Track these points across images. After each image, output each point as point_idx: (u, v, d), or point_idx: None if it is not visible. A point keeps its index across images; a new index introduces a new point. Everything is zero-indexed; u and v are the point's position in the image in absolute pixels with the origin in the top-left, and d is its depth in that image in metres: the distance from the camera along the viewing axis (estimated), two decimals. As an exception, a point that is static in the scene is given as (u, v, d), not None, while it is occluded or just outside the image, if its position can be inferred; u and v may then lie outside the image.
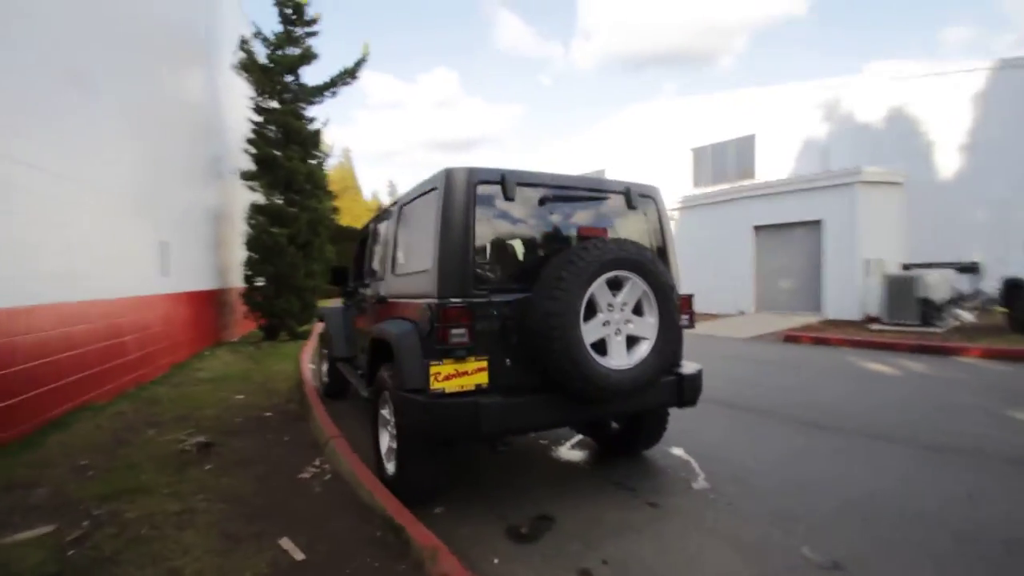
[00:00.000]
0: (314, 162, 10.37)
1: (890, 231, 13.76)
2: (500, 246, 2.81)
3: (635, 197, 3.24)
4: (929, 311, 10.24)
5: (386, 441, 3.28)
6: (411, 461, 2.85)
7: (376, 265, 4.25)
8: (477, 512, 2.98)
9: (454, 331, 2.57)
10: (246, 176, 9.60)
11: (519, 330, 2.70)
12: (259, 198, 9.78)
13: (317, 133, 10.30)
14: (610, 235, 3.03)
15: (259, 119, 9.88)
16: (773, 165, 17.28)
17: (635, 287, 2.78)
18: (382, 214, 4.13)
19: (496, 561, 2.47)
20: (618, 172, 21.59)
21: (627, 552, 2.53)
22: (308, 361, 7.76)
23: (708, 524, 2.81)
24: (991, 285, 13.18)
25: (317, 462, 3.69)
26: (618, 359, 2.73)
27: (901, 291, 10.63)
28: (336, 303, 6.31)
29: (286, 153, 9.68)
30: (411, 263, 3.22)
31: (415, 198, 3.22)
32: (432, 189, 2.90)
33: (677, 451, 3.93)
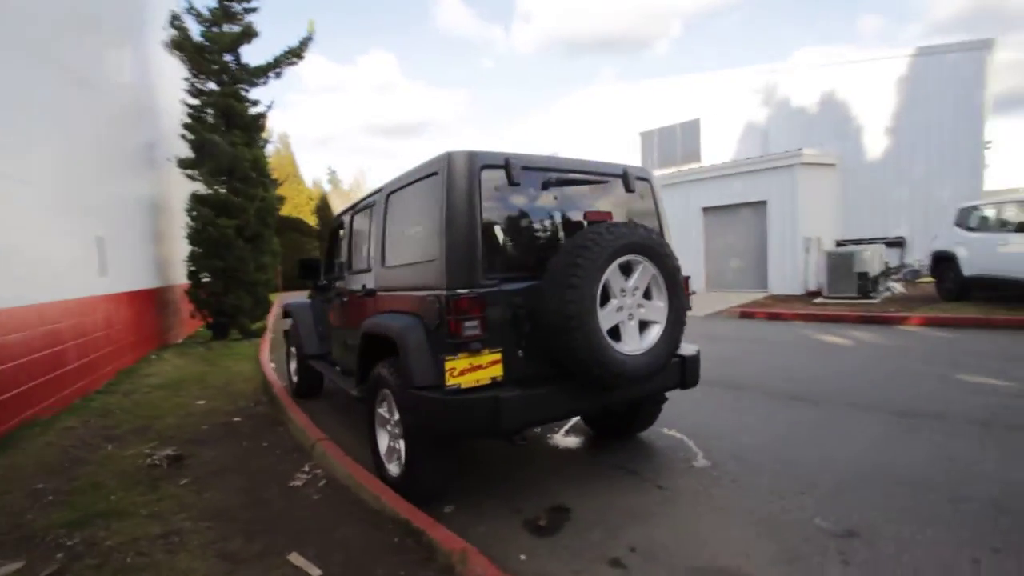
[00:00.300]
0: (259, 148, 9.74)
1: (826, 210, 14.60)
2: (506, 232, 2.70)
3: (632, 180, 3.20)
4: (865, 284, 10.99)
5: (385, 441, 3.12)
6: (420, 460, 2.72)
7: (359, 257, 4.02)
8: (489, 508, 2.90)
9: (467, 323, 2.45)
10: (184, 164, 8.88)
11: (531, 319, 2.61)
12: (200, 187, 9.09)
13: (261, 117, 9.67)
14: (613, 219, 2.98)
15: (195, 102, 9.15)
16: (718, 148, 17.93)
17: (646, 271, 2.75)
18: (361, 204, 3.89)
19: (523, 558, 2.40)
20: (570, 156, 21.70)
21: (649, 537, 2.52)
22: (269, 360, 7.35)
23: (718, 503, 2.86)
24: (915, 258, 14.36)
25: (307, 467, 3.48)
26: (632, 344, 2.70)
27: (840, 266, 11.32)
28: (296, 297, 5.94)
29: (228, 139, 9.02)
30: (408, 254, 3.05)
31: (407, 185, 3.03)
32: (431, 174, 2.73)
33: (670, 431, 3.99)
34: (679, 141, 19.31)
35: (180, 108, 9.14)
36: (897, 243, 14.64)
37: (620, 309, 2.67)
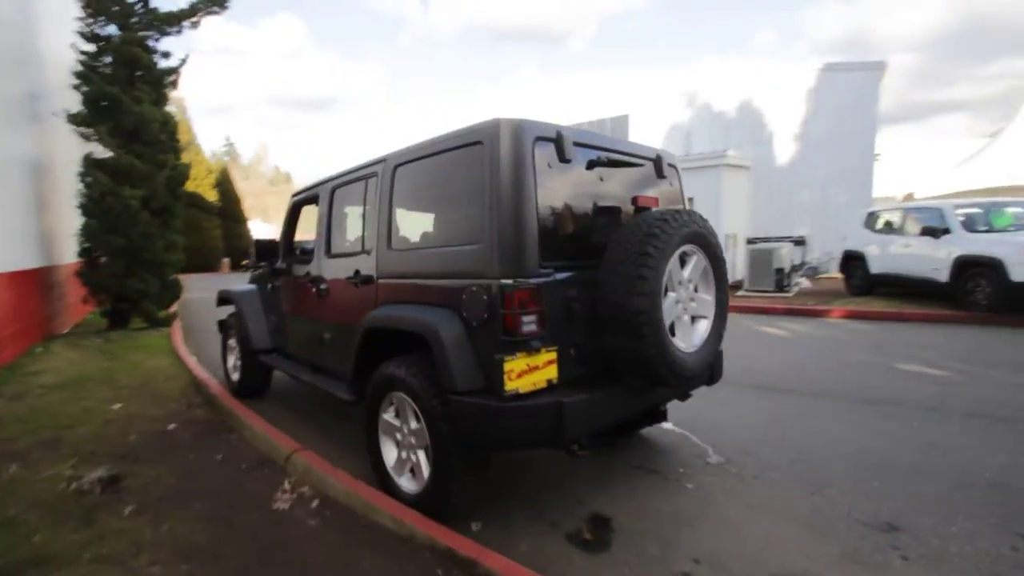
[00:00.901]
0: (169, 108, 8.44)
1: (742, 209, 15.62)
2: (558, 215, 2.39)
3: (664, 165, 3.02)
4: (781, 279, 11.90)
5: (394, 452, 2.72)
6: (450, 475, 2.36)
7: (344, 238, 3.48)
8: (520, 521, 2.61)
9: (525, 318, 2.13)
10: (76, 120, 7.44)
11: (586, 312, 2.34)
12: (97, 149, 7.69)
13: (173, 72, 8.37)
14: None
15: (90, 48, 7.70)
16: (646, 144, 18.53)
17: (698, 263, 2.58)
18: (348, 177, 3.36)
19: (586, 580, 2.15)
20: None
21: (706, 545, 2.38)
22: (188, 353, 6.40)
23: (751, 501, 2.79)
24: (813, 256, 15.85)
25: (287, 485, 2.95)
26: (686, 340, 2.52)
27: (761, 262, 12.15)
28: (203, 280, 5.10)
29: (133, 94, 7.70)
30: (434, 235, 2.64)
31: (430, 155, 2.61)
32: (472, 143, 2.34)
33: (667, 426, 3.91)
34: (608, 135, 19.71)
35: (71, 55, 7.63)
36: (800, 242, 16.07)
37: (677, 303, 2.48)
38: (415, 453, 2.59)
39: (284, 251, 4.24)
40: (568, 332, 2.34)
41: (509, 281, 2.16)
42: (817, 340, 7.13)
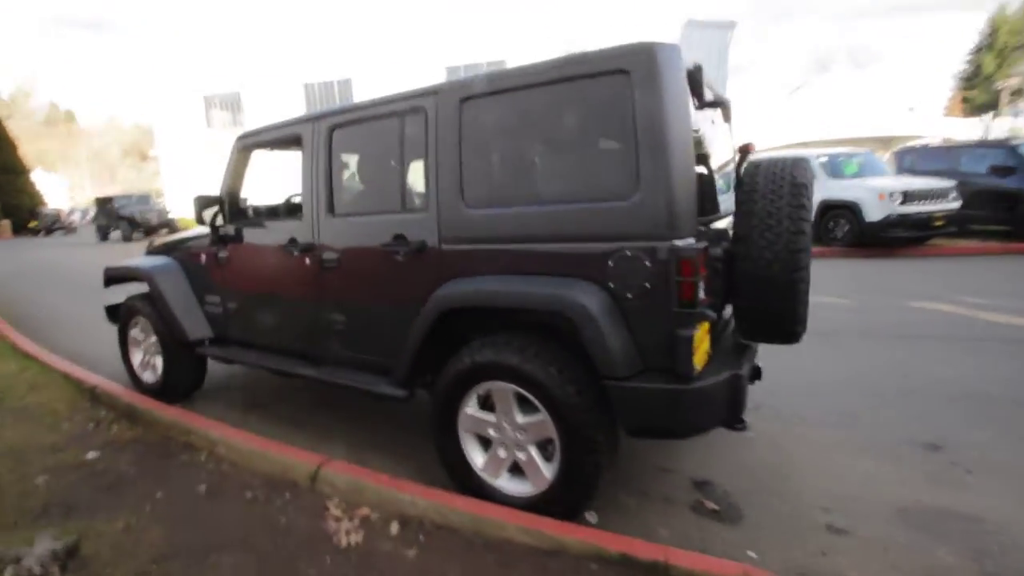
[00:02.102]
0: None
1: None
2: (701, 164, 2.06)
3: (729, 107, 2.83)
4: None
5: (481, 452, 2.30)
6: (590, 470, 2.04)
7: (375, 194, 2.72)
8: (632, 505, 2.41)
9: (702, 285, 1.84)
10: None
11: (736, 272, 2.10)
12: None
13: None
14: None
15: None
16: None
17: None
18: (365, 112, 2.58)
19: (754, 555, 2.04)
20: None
21: (820, 492, 2.45)
22: (43, 350, 4.84)
23: (816, 440, 2.93)
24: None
25: (335, 511, 2.34)
26: None
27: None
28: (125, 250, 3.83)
29: None
30: (542, 189, 2.13)
31: (536, 85, 2.05)
32: (615, 71, 1.88)
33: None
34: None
35: None
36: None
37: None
38: (522, 450, 2.19)
39: (231, 211, 3.25)
40: (714, 296, 2.09)
41: (682, 243, 1.82)
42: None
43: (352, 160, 2.76)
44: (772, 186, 2.09)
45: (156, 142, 23.91)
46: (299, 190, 2.86)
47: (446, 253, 2.31)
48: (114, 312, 4.01)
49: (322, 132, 2.71)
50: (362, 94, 19.46)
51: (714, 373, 1.91)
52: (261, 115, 20.36)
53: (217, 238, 3.23)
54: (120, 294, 4.01)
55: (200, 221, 3.15)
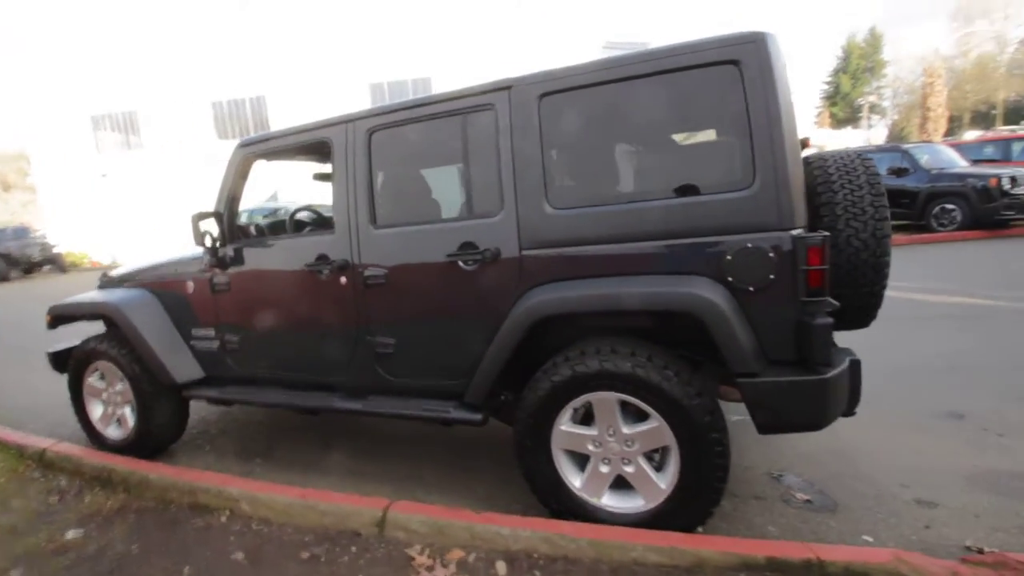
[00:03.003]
0: None
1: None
2: None
3: None
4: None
5: (579, 471, 2.14)
6: (713, 474, 1.95)
7: (431, 202, 2.46)
8: (729, 506, 2.34)
9: (826, 274, 1.84)
10: None
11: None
12: None
13: None
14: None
15: None
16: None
17: None
18: (415, 112, 2.34)
19: (869, 539, 2.05)
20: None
21: (889, 470, 2.53)
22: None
23: (857, 421, 2.97)
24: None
25: (423, 558, 2.06)
26: None
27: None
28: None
29: None
30: (645, 185, 2.03)
31: (632, 77, 1.96)
32: (726, 62, 1.84)
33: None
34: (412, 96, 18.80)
35: None
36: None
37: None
38: (628, 462, 2.06)
39: (229, 230, 2.84)
40: None
41: (804, 233, 1.81)
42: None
43: (397, 165, 2.50)
44: (849, 177, 2.15)
45: (33, 169, 21.04)
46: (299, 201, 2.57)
47: (527, 259, 2.14)
48: (61, 359, 3.36)
49: (359, 136, 2.44)
50: (277, 113, 18.50)
51: (839, 361, 1.91)
52: (163, 136, 18.67)
53: (216, 261, 2.80)
54: (50, 338, 3.39)
55: (200, 243, 2.72)
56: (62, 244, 17.49)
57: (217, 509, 2.54)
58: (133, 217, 18.91)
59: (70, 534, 2.46)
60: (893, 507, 2.25)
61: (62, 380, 3.34)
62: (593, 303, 1.98)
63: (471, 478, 2.74)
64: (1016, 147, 10.69)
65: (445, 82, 17.77)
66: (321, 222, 3.16)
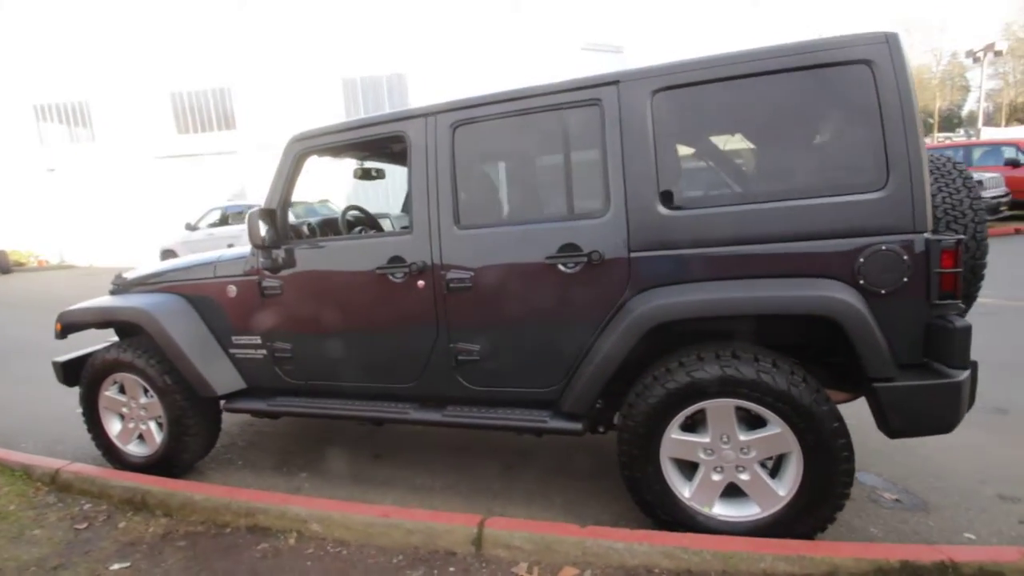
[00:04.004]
0: None
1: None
2: None
3: None
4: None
5: (687, 481, 2.09)
6: (839, 479, 1.93)
7: (525, 200, 2.33)
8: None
9: (959, 276, 1.84)
10: None
11: None
12: None
13: None
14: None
15: None
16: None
17: None
18: (507, 107, 2.20)
19: (972, 536, 2.07)
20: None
21: (971, 471, 2.57)
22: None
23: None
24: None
25: (535, 576, 1.95)
26: None
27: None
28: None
29: None
30: (769, 185, 1.97)
31: (754, 75, 1.91)
32: (856, 61, 1.81)
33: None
34: (386, 93, 18.32)
35: None
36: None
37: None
38: (743, 470, 2.01)
39: (281, 228, 2.63)
40: None
41: (938, 235, 1.81)
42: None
43: (484, 162, 2.36)
44: (945, 180, 2.18)
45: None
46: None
47: (636, 261, 2.06)
48: (71, 370, 3.05)
49: (441, 130, 2.29)
50: (242, 104, 17.65)
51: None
52: (116, 129, 17.51)
53: (270, 263, 2.58)
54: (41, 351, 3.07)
55: (259, 245, 2.49)
56: (4, 242, 16.16)
57: (282, 531, 2.34)
58: (84, 214, 17.70)
59: (115, 566, 2.21)
60: (980, 504, 2.29)
61: (43, 391, 3.03)
62: (723, 307, 1.91)
63: (545, 488, 2.64)
64: (976, 152, 11.39)
65: (420, 79, 17.44)
66: (372, 223, 2.99)
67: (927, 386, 1.81)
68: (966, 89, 44.61)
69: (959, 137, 28.96)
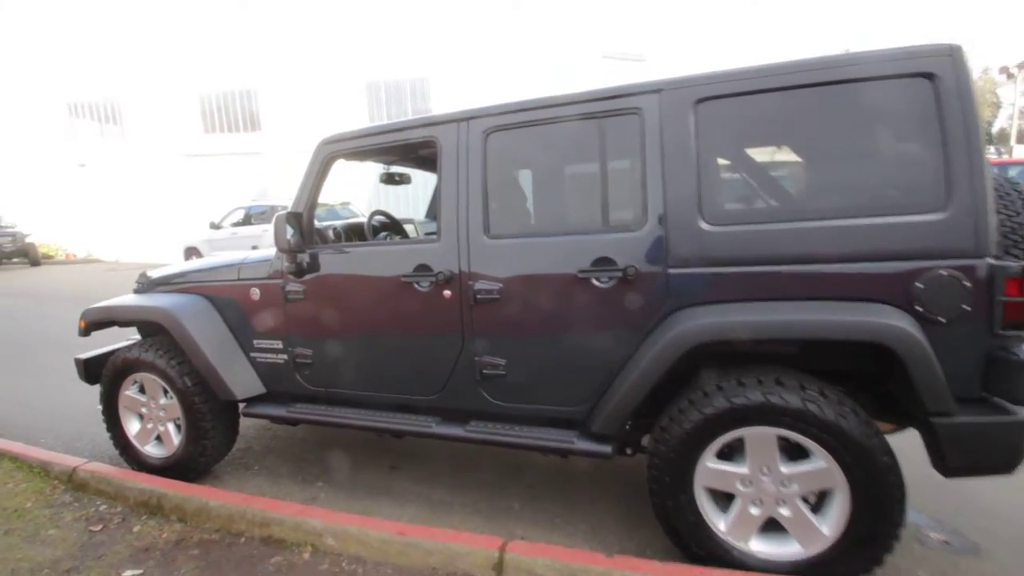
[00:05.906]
0: None
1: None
2: None
3: None
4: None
5: (716, 511, 1.97)
6: (892, 519, 1.81)
7: (557, 210, 2.27)
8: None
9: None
10: None
11: None
12: None
13: None
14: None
15: None
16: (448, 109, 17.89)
17: None
18: (543, 114, 2.13)
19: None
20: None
21: (1013, 503, 2.45)
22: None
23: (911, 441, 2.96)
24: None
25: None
26: None
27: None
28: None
29: None
30: (820, 201, 1.88)
31: (811, 85, 1.81)
32: (917, 74, 1.71)
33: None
34: (408, 97, 18.45)
35: None
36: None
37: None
38: (784, 504, 1.89)
39: (307, 232, 2.58)
40: None
41: (1003, 261, 1.69)
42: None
43: (518, 170, 2.30)
44: (1005, 201, 2.05)
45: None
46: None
47: (675, 277, 1.96)
48: (93, 367, 3.04)
49: (473, 137, 2.23)
50: (268, 106, 17.92)
51: None
52: (145, 127, 17.88)
53: (295, 267, 2.54)
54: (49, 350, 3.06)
55: (285, 248, 2.45)
56: (34, 235, 16.53)
57: (297, 544, 2.27)
58: (112, 209, 18.06)
59: (127, 573, 2.16)
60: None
61: (65, 387, 3.01)
62: (774, 329, 1.80)
63: (568, 511, 2.53)
64: (1010, 171, 11.05)
65: (443, 84, 17.53)
66: (398, 228, 2.93)
67: (991, 423, 1.68)
68: (996, 105, 43.59)
69: (990, 155, 28.31)
